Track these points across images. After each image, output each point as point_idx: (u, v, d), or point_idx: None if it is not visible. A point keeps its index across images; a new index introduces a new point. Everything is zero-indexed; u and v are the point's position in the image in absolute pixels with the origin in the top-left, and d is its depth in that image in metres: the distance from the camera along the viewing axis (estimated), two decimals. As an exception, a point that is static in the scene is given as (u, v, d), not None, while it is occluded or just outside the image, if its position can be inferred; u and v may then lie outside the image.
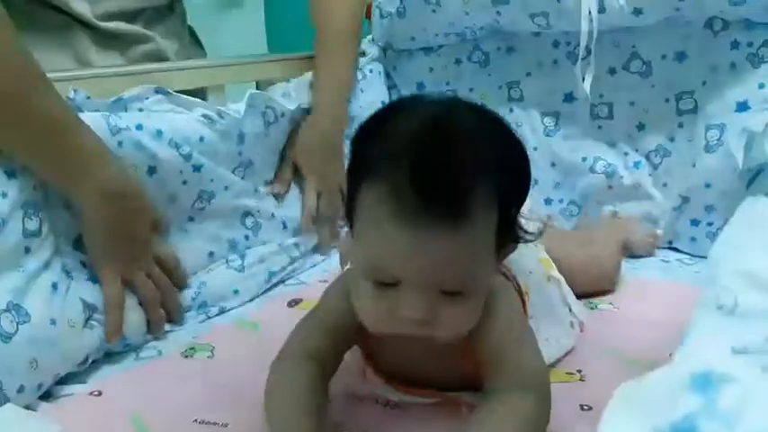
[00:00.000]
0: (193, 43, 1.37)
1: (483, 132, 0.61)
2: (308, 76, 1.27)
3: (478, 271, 0.62)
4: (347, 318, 0.67)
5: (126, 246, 0.86)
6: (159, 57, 1.22)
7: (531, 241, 0.70)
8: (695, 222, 1.18)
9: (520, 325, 0.70)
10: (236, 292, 1.05)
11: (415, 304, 0.59)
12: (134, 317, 0.89)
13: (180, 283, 0.97)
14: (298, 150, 1.18)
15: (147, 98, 0.96)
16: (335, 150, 1.22)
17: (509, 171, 0.62)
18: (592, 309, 0.97)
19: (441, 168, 0.56)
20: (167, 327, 0.94)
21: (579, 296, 0.91)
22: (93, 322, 0.84)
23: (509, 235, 0.65)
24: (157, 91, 0.97)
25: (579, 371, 0.80)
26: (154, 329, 0.91)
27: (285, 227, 1.17)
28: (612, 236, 1.11)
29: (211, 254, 1.04)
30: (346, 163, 1.22)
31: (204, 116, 1.01)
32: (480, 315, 0.64)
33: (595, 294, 1.01)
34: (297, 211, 1.20)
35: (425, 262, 0.58)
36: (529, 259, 0.81)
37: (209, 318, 1.00)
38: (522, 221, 0.67)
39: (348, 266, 0.80)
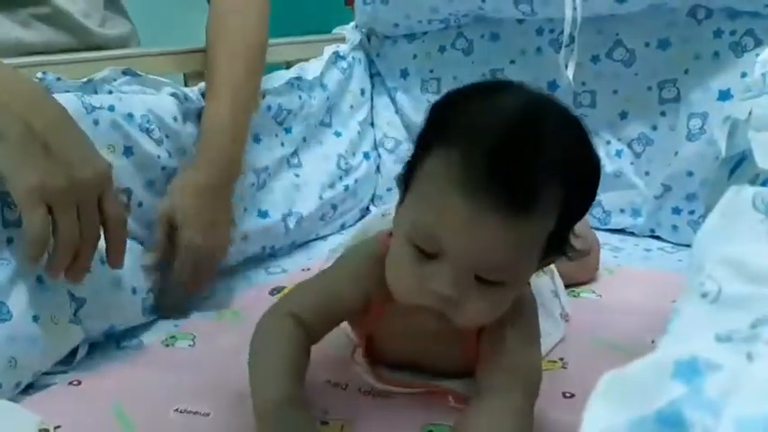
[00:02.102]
0: (111, 5, 1.16)
1: (571, 139, 0.60)
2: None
3: (520, 269, 0.61)
4: (351, 296, 0.67)
5: (41, 159, 0.71)
6: (59, 20, 1.05)
7: (574, 259, 0.69)
8: (677, 211, 1.19)
9: (534, 327, 0.69)
10: None
11: (449, 280, 0.58)
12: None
13: (113, 248, 0.80)
14: (175, 205, 0.94)
15: (116, 80, 0.95)
16: (224, 207, 1.00)
17: (580, 184, 0.61)
18: (575, 297, 0.97)
19: (521, 155, 0.55)
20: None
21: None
22: (79, 316, 0.82)
23: (559, 247, 0.64)
24: (125, 72, 0.96)
25: (561, 359, 0.80)
26: (47, 269, 0.75)
27: (266, 216, 1.16)
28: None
29: None
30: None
31: (173, 95, 1.00)
32: (504, 311, 0.64)
33: (578, 284, 1.02)
34: (281, 195, 1.19)
35: (475, 241, 0.57)
36: None
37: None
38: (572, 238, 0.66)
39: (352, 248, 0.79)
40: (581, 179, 0.61)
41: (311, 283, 0.73)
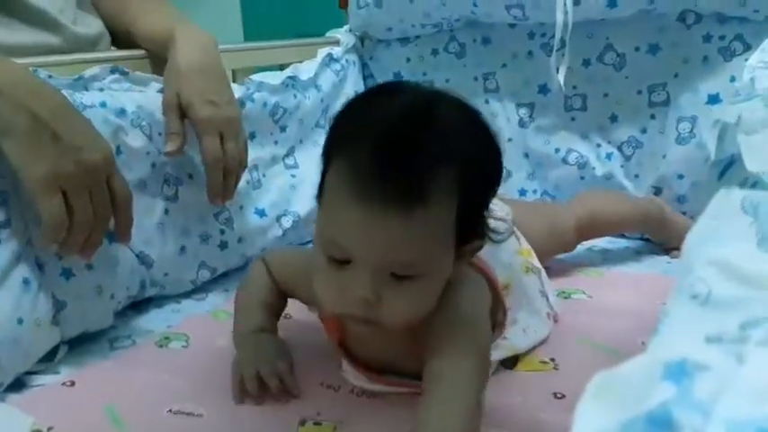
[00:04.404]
0: (82, 3, 1.12)
1: (455, 125, 0.61)
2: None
3: (431, 258, 0.61)
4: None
5: (50, 147, 0.73)
6: (36, 18, 1.01)
7: (500, 241, 0.70)
8: (667, 213, 1.19)
9: (477, 315, 0.69)
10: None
11: (362, 282, 0.59)
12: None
13: (122, 225, 0.83)
14: (175, 84, 0.94)
15: (105, 78, 0.95)
16: (222, 73, 1.00)
17: (475, 166, 0.62)
18: (565, 298, 0.97)
19: (402, 150, 0.57)
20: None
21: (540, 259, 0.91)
22: (58, 318, 0.83)
23: (474, 231, 0.65)
24: (113, 70, 0.96)
25: (553, 359, 0.80)
26: (62, 249, 0.79)
27: (264, 214, 1.16)
28: (579, 205, 1.10)
29: (183, 248, 1.03)
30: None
31: (161, 91, 1.00)
32: (433, 305, 0.64)
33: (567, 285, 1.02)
34: (278, 195, 1.18)
35: (376, 239, 0.58)
36: (506, 252, 0.82)
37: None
38: (491, 222, 0.68)
39: None
40: (474, 161, 0.62)
41: (295, 251, 0.82)
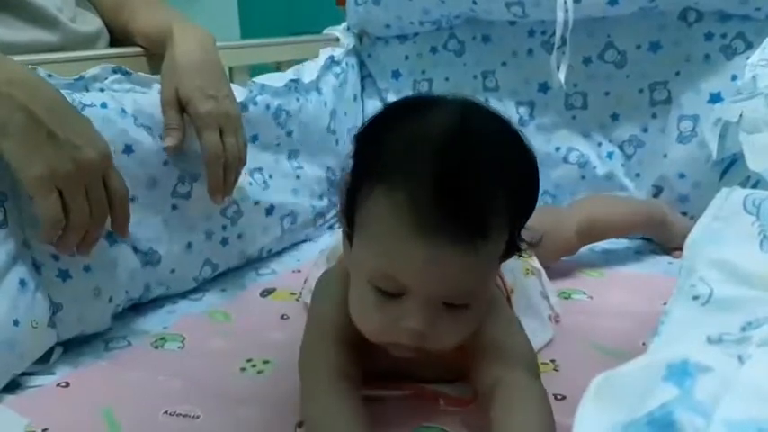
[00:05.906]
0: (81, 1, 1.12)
1: (502, 145, 0.60)
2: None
3: (485, 285, 0.62)
4: (347, 323, 0.65)
5: (47, 146, 0.72)
6: (35, 15, 1.00)
7: (528, 251, 0.70)
8: (668, 213, 1.19)
9: (508, 313, 0.71)
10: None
11: (419, 315, 0.59)
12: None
13: (119, 222, 0.83)
14: (174, 80, 0.94)
15: (107, 78, 0.94)
16: (220, 70, 0.99)
17: (524, 187, 0.61)
18: (566, 299, 0.97)
19: (464, 185, 0.56)
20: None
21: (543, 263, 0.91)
22: (54, 320, 0.82)
23: (513, 246, 0.65)
24: (115, 71, 0.95)
25: (553, 360, 0.80)
26: (59, 248, 0.78)
27: (270, 212, 1.15)
28: (580, 210, 1.10)
29: (189, 245, 1.02)
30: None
31: None
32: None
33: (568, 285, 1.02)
34: (284, 196, 1.18)
35: (439, 276, 0.57)
36: None
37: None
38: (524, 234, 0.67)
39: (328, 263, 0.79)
40: (523, 183, 0.61)
41: (315, 337, 0.69)
